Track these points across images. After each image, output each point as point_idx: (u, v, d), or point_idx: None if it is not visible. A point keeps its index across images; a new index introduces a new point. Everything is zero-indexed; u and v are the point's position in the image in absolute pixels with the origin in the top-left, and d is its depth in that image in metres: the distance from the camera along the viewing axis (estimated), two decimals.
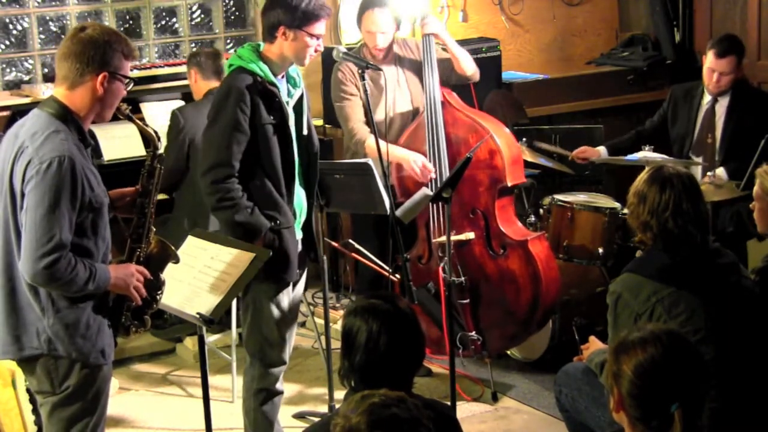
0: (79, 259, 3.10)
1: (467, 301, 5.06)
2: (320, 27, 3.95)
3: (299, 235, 4.10)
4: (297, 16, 3.88)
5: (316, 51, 3.99)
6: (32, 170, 3.07)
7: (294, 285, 4.12)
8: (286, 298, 4.06)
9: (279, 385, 4.18)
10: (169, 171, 4.79)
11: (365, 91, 4.30)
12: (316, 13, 3.91)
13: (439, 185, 4.82)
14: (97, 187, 3.18)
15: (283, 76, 4.04)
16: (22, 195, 3.11)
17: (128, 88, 3.29)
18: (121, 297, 3.31)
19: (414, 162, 4.97)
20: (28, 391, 3.96)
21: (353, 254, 4.66)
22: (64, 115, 3.17)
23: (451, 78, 5.27)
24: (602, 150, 5.73)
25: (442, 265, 4.57)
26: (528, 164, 5.45)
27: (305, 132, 4.07)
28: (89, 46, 3.17)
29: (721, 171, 5.30)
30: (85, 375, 3.25)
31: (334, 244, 4.89)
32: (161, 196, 4.84)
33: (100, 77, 3.17)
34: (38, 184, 3.06)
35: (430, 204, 4.93)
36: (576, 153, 5.68)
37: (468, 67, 5.24)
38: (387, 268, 4.51)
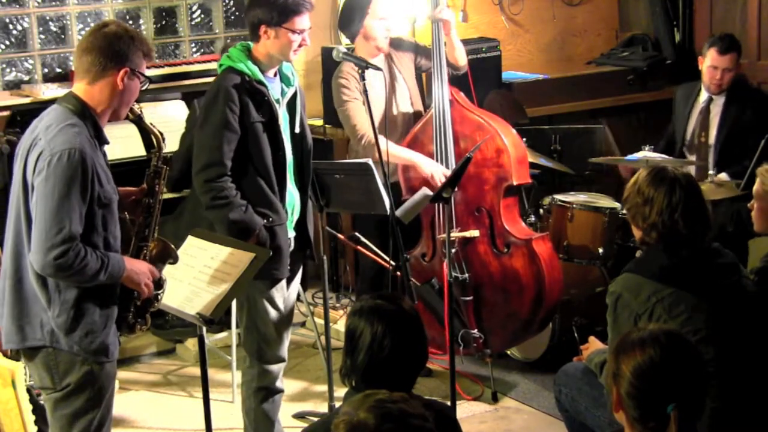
0: (90, 250, 3.11)
1: (470, 298, 5.06)
2: (302, 21, 3.92)
3: (291, 233, 4.12)
4: (276, 13, 3.87)
5: (302, 45, 3.96)
6: (43, 162, 3.08)
7: (288, 283, 4.13)
8: (279, 294, 4.08)
9: (279, 383, 4.19)
10: (181, 156, 4.79)
11: (365, 91, 4.29)
12: (295, 9, 3.89)
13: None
14: (106, 183, 3.19)
15: (276, 74, 4.04)
16: (33, 187, 3.12)
17: (143, 87, 3.31)
18: (127, 295, 3.32)
19: (427, 171, 4.97)
20: (28, 391, 3.95)
21: (358, 247, 4.64)
22: (82, 110, 3.19)
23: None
24: None
25: (446, 261, 4.56)
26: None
27: (298, 130, 4.08)
28: (114, 41, 3.19)
29: (723, 176, 5.28)
30: (86, 372, 3.25)
31: (341, 236, 4.87)
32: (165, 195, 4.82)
33: (121, 73, 3.20)
34: (48, 176, 3.07)
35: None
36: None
37: (461, 57, 5.23)
38: (391, 262, 4.49)
